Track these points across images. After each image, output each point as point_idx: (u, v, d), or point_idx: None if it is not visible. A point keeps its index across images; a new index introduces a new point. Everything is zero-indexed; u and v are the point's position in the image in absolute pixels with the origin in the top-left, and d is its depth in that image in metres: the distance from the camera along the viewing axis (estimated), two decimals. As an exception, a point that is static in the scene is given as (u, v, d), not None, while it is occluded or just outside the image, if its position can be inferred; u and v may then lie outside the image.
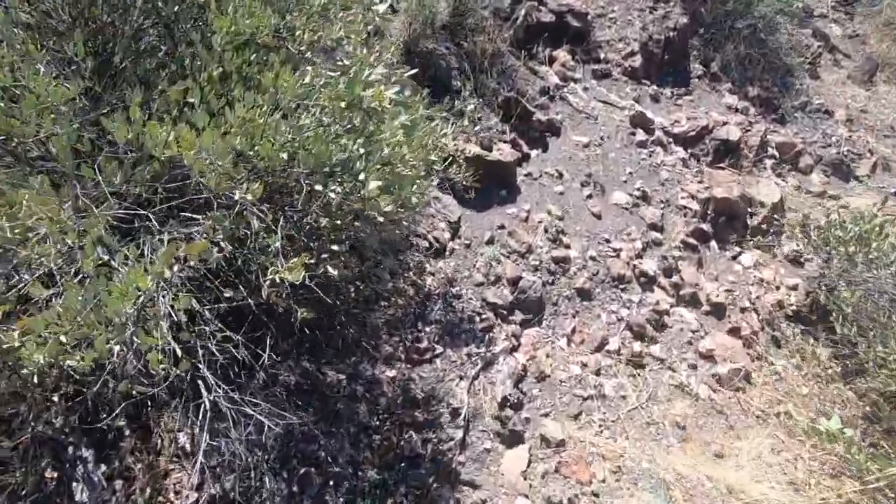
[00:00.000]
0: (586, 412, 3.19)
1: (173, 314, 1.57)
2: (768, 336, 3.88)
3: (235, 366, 2.23)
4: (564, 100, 5.53)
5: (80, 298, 1.45)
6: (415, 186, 1.88)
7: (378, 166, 1.81)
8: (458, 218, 3.97)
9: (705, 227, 4.49)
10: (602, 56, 6.09)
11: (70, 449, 2.32)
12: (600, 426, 3.13)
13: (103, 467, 2.35)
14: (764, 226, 4.48)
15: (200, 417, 1.82)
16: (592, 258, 4.04)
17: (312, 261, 2.05)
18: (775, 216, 4.56)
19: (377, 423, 2.86)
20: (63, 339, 1.48)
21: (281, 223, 2.00)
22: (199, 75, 2.10)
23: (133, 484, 2.35)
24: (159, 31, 2.46)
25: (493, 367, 3.27)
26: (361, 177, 1.79)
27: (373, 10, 2.56)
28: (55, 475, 2.34)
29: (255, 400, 2.57)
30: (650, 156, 4.98)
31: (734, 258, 4.41)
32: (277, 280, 1.74)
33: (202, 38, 2.14)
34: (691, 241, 4.35)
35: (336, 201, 1.84)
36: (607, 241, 4.17)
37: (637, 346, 3.57)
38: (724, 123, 5.44)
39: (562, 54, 5.97)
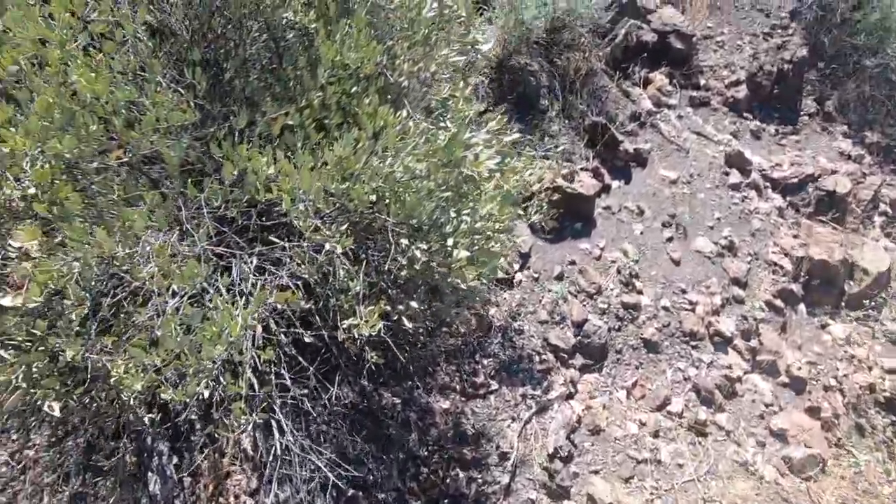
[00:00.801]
0: (639, 476, 3.07)
1: (258, 363, 1.63)
2: (852, 422, 3.55)
3: (304, 396, 2.31)
4: (655, 127, 5.25)
5: (177, 339, 1.53)
6: (503, 260, 1.84)
7: (469, 235, 1.78)
8: (529, 249, 3.89)
9: (795, 288, 4.15)
10: (702, 83, 5.71)
11: (149, 440, 2.51)
12: (652, 494, 3.01)
13: (175, 460, 2.53)
14: (864, 296, 4.08)
15: (271, 458, 1.90)
16: (665, 308, 3.84)
17: (388, 307, 2.07)
18: (879, 286, 4.13)
19: (426, 454, 2.90)
20: (157, 372, 1.58)
21: (362, 268, 2.03)
22: (301, 99, 2.14)
23: (199, 481, 2.53)
24: (269, 48, 2.53)
25: (548, 412, 3.21)
26: (450, 242, 1.77)
27: (476, 48, 2.52)
28: (135, 461, 2.55)
29: (321, 430, 2.67)
30: (743, 201, 4.64)
31: (824, 328, 4.05)
32: (356, 335, 1.77)
33: (307, 63, 2.18)
34: (777, 302, 4.04)
35: (422, 259, 1.83)
36: (683, 291, 3.94)
37: (702, 412, 3.38)
38: (833, 172, 4.96)
39: (658, 77, 5.65)
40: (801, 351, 3.91)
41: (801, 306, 4.14)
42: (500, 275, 1.86)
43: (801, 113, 5.58)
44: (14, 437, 2.47)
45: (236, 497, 2.47)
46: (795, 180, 4.85)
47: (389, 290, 2.18)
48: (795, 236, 4.47)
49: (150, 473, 2.39)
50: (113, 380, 1.50)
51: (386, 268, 2.13)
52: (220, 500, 2.46)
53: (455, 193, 1.82)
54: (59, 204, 1.71)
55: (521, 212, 3.07)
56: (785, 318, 4.03)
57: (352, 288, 2.01)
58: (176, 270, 1.63)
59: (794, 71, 5.42)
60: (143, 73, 1.96)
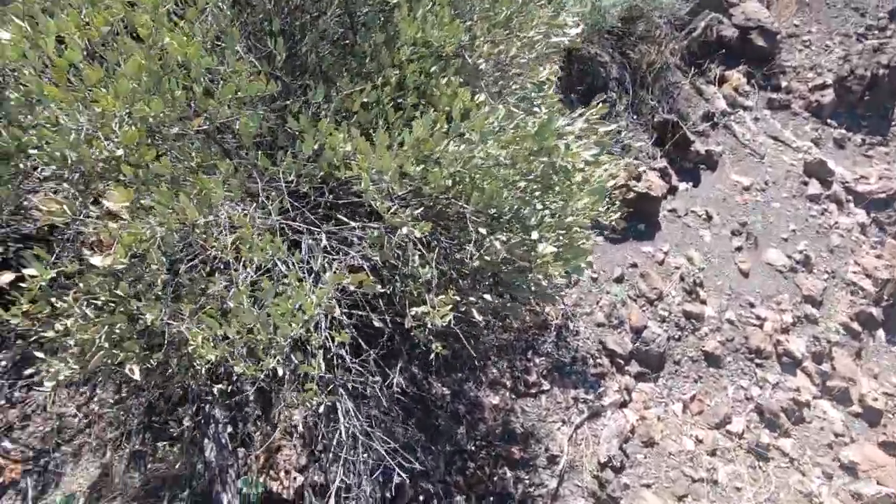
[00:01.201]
0: (693, 496, 2.92)
1: (331, 345, 1.59)
2: (932, 462, 3.27)
3: (364, 382, 2.28)
4: (729, 129, 4.96)
5: (252, 312, 1.50)
6: (589, 258, 1.73)
7: (555, 230, 1.67)
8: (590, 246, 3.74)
9: (875, 312, 3.85)
10: (784, 84, 5.35)
11: (207, 407, 2.55)
12: (706, 516, 2.86)
13: (230, 429, 2.56)
14: (954, 327, 3.74)
15: (335, 445, 1.87)
16: (730, 321, 3.63)
17: (458, 297, 2.00)
18: (973, 318, 3.77)
19: (473, 448, 2.84)
20: (231, 345, 1.56)
21: (434, 255, 1.96)
22: (377, 77, 2.06)
23: (250, 452, 2.55)
24: (344, 23, 2.47)
25: (600, 419, 3.09)
26: (534, 235, 1.67)
27: (565, 31, 2.38)
28: (192, 426, 2.60)
29: (374, 416, 2.64)
30: (822, 214, 4.32)
31: (905, 357, 3.75)
32: (428, 324, 1.70)
33: (386, 41, 2.10)
34: (854, 325, 3.75)
35: (499, 252, 1.74)
36: (751, 305, 3.71)
37: (765, 435, 3.18)
38: (926, 189, 4.56)
39: (735, 76, 5.32)
40: (878, 380, 3.63)
41: (881, 332, 3.84)
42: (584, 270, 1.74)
43: (893, 123, 5.15)
44: (82, 390, 2.56)
45: (286, 472, 2.48)
46: (883, 195, 4.48)
47: (459, 281, 2.10)
48: (879, 256, 4.13)
49: (206, 440, 2.43)
50: (190, 348, 1.48)
51: (458, 257, 2.05)
52: (271, 472, 2.47)
53: (542, 185, 1.71)
54: (144, 167, 1.70)
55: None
56: (861, 344, 3.74)
57: (422, 275, 1.94)
58: (256, 241, 1.60)
59: (891, 76, 5.00)
60: (220, 43, 1.92)
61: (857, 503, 3.02)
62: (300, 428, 2.65)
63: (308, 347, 1.71)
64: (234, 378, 2.40)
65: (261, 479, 2.45)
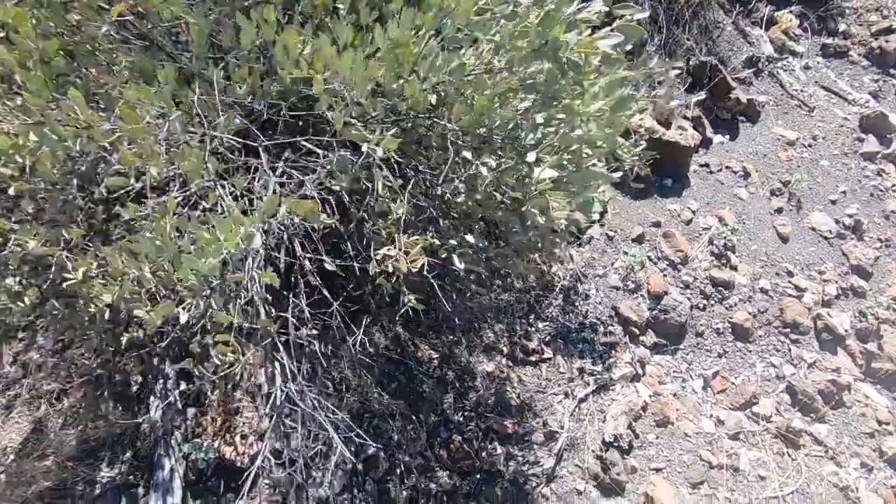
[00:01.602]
0: (710, 483, 2.57)
1: (258, 287, 1.23)
2: None
3: (322, 338, 1.94)
4: (775, 77, 4.37)
5: (155, 243, 1.15)
6: (603, 190, 1.32)
7: (558, 148, 1.26)
8: (607, 200, 3.30)
9: (933, 287, 3.36)
10: (841, 28, 4.69)
11: (156, 360, 2.26)
12: (724, 507, 2.51)
13: (182, 386, 2.27)
14: None
15: (269, 407, 1.54)
16: (763, 291, 3.19)
17: (437, 241, 1.62)
18: None
19: (461, 420, 2.52)
20: (135, 283, 1.21)
21: (409, 186, 1.57)
22: None
23: (206, 412, 2.27)
24: None
25: (608, 393, 2.73)
26: (531, 157, 1.27)
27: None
28: (140, 381, 2.32)
29: (345, 377, 2.32)
30: (878, 174, 3.78)
31: (965, 339, 3.27)
32: (391, 269, 1.33)
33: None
34: (908, 301, 3.28)
35: (488, 180, 1.34)
36: (789, 274, 3.26)
37: (797, 420, 2.79)
38: None
39: (786, 17, 4.67)
40: (931, 364, 3.17)
41: (938, 310, 3.36)
42: (595, 215, 1.35)
43: (967, 75, 4.48)
44: (21, 335, 2.28)
45: (244, 437, 2.20)
46: (950, 156, 3.90)
47: (440, 221, 1.71)
48: (942, 224, 3.60)
49: (152, 397, 2.15)
50: (68, 283, 1.14)
51: (439, 190, 1.66)
52: (227, 436, 2.19)
53: (543, 94, 1.29)
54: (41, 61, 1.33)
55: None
56: (915, 322, 3.27)
57: (393, 210, 1.56)
58: (162, 154, 1.23)
59: (971, 19, 4.30)
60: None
61: (900, 500, 2.65)
62: (265, 388, 2.35)
63: (244, 292, 1.36)
64: (184, 328, 2.08)
65: (214, 444, 2.17)
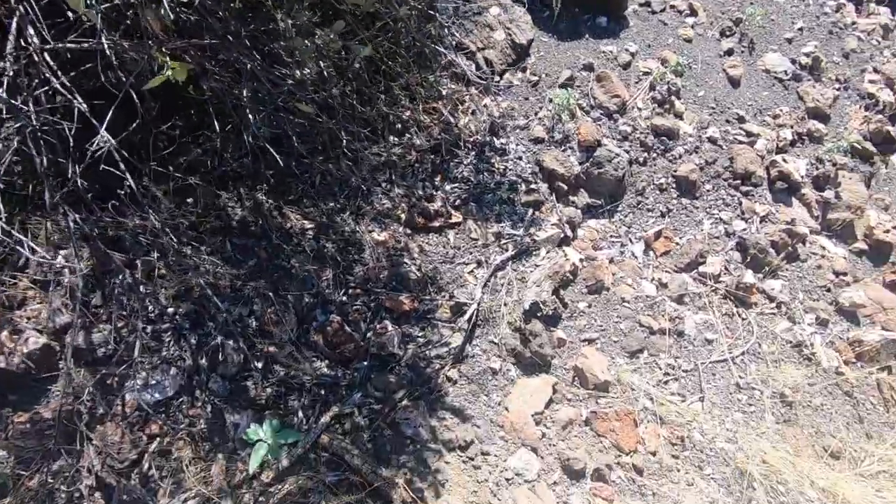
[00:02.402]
0: (650, 350, 2.18)
1: None
2: (949, 303, 2.59)
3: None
4: None
5: None
6: None
7: None
8: (529, 41, 2.69)
9: (893, 130, 2.99)
10: None
11: None
12: (667, 374, 2.13)
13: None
14: None
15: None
16: (712, 140, 2.73)
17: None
18: None
19: (344, 299, 1.98)
20: None
21: None
22: None
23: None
24: None
25: (530, 259, 2.25)
26: None
27: None
28: None
29: (182, 253, 1.70)
30: (837, 11, 3.30)
31: (925, 184, 2.96)
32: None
33: None
34: (867, 145, 2.91)
35: None
36: (741, 119, 2.80)
37: (748, 276, 2.41)
38: (967, -15, 3.53)
39: None
40: (889, 212, 2.86)
41: (897, 156, 3.01)
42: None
43: None
44: None
45: (16, 333, 1.58)
46: (914, -10, 3.45)
47: None
48: (903, 64, 3.20)
49: None
50: None
51: None
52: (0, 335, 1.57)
53: None
54: None
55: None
56: (874, 169, 2.92)
57: None
58: None
59: None
60: None
61: (857, 351, 2.35)
62: (60, 261, 1.71)
63: None
64: None
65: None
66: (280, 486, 1.59)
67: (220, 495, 1.53)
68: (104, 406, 1.58)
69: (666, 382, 2.11)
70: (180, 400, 1.69)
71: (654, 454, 1.89)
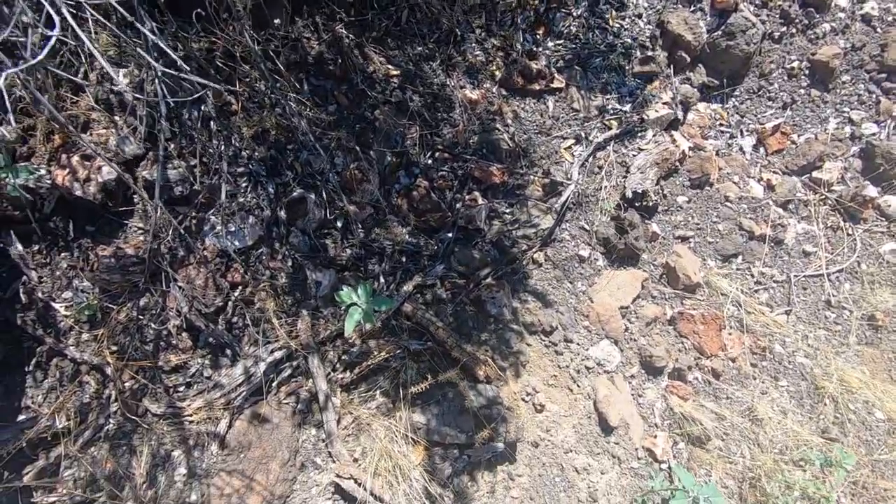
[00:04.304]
0: (745, 256, 2.02)
1: None
2: None
3: None
4: None
5: None
6: None
7: None
8: None
9: None
10: None
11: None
12: (758, 283, 2.00)
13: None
14: None
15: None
16: (866, 19, 2.26)
17: None
18: None
19: (429, 162, 1.78)
20: None
21: None
22: None
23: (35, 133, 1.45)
24: None
25: (635, 141, 1.98)
26: None
27: None
28: None
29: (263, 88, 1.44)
30: None
31: None
32: None
33: None
34: None
35: None
36: (909, -4, 2.28)
37: (869, 188, 2.15)
38: None
39: None
40: None
41: None
42: None
43: None
44: None
45: (87, 159, 1.42)
46: None
47: None
48: None
49: None
50: None
51: None
52: (64, 157, 1.42)
53: None
54: None
55: None
56: None
57: None
58: None
59: None
60: None
61: (961, 284, 2.19)
62: (121, 81, 1.50)
63: None
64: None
65: (37, 166, 1.40)
66: (364, 348, 1.56)
67: (306, 350, 1.51)
68: (186, 249, 1.49)
69: (756, 291, 1.99)
70: (260, 251, 1.59)
71: (733, 360, 1.84)
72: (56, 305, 1.39)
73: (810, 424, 1.83)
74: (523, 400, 1.60)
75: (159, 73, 1.23)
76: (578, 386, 1.67)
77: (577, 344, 1.72)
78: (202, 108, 1.46)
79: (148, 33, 1.09)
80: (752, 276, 2.01)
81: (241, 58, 1.42)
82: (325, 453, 1.47)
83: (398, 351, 1.58)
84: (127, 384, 1.38)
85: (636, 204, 1.88)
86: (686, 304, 1.88)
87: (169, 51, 1.07)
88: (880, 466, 1.85)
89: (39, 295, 1.39)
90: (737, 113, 2.23)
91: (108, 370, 1.35)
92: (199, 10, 1.25)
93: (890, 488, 1.79)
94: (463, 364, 1.54)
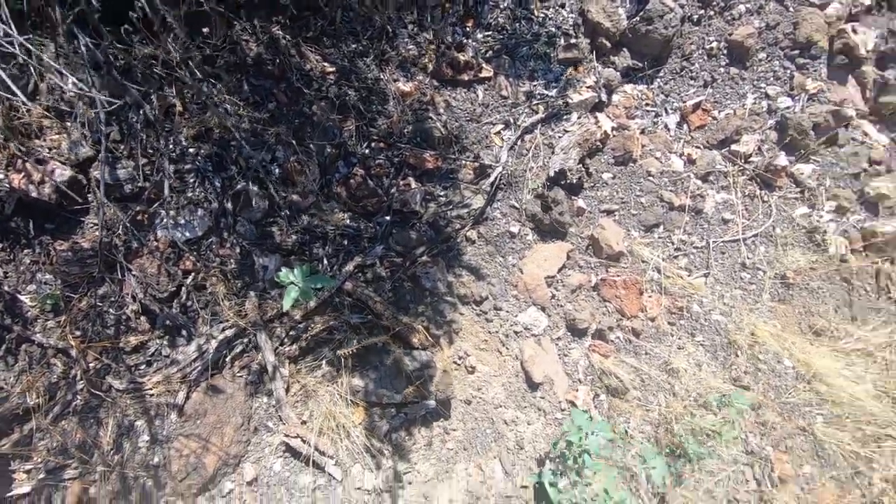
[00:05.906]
0: (666, 226, 2.20)
1: None
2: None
3: None
4: None
5: None
6: None
7: None
8: None
9: None
10: None
11: None
12: (678, 250, 2.18)
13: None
14: None
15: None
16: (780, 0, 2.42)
17: None
18: None
19: (366, 151, 1.93)
20: None
21: None
22: None
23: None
24: None
25: (561, 123, 2.14)
26: None
27: None
28: None
29: (216, 83, 1.57)
30: None
31: None
32: None
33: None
34: (950, 19, 2.57)
35: None
36: (819, -25, 2.44)
37: (781, 158, 2.33)
38: None
39: None
40: (947, 99, 2.65)
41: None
42: None
43: None
44: None
45: (40, 163, 1.56)
46: None
47: None
48: None
49: None
50: None
51: None
52: (19, 163, 1.55)
53: None
54: None
55: None
56: (948, 47, 2.63)
57: None
58: None
59: None
60: None
61: (866, 243, 2.38)
62: (71, 88, 1.63)
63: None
64: None
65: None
66: (308, 324, 1.73)
67: (255, 327, 1.67)
68: (137, 241, 1.64)
69: (676, 257, 2.17)
70: (210, 240, 1.74)
71: (652, 320, 2.03)
72: (22, 297, 1.54)
73: (723, 374, 2.03)
74: (455, 363, 1.78)
75: (95, 84, 1.36)
76: (507, 349, 1.85)
77: (507, 311, 1.90)
78: (144, 111, 1.60)
79: (83, 47, 1.22)
80: (673, 243, 2.19)
81: (178, 64, 1.55)
82: (276, 418, 1.64)
83: (341, 325, 1.75)
84: (91, 364, 1.54)
85: (560, 182, 2.04)
86: (610, 272, 2.06)
87: (100, 59, 1.21)
88: (787, 409, 2.06)
89: (6, 289, 1.53)
90: (662, 92, 2.39)
91: (73, 352, 1.51)
92: (125, 25, 1.38)
93: (794, 427, 2.01)
94: (399, 333, 1.72)
